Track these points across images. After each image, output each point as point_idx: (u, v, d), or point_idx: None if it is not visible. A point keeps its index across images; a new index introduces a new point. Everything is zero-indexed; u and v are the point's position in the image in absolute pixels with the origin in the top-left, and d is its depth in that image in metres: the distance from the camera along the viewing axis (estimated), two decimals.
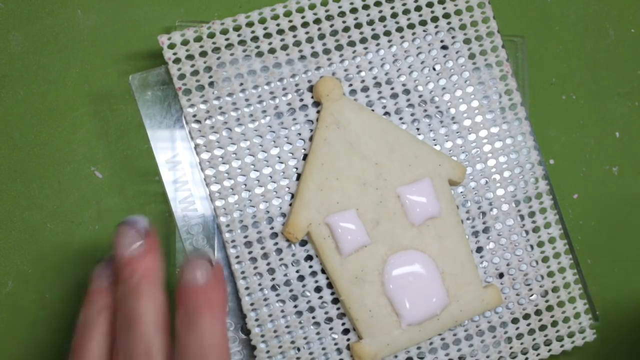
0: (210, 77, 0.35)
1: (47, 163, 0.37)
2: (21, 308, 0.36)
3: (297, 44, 0.36)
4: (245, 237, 0.34)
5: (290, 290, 0.34)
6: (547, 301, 0.37)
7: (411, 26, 0.37)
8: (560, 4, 0.44)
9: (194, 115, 0.34)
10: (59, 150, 0.37)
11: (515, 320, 0.37)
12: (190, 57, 0.34)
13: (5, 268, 0.36)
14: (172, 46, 0.34)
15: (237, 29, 0.35)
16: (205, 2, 0.36)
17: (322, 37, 0.36)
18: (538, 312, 0.37)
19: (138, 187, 0.38)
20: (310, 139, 0.35)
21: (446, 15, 0.38)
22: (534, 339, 0.37)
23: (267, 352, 0.34)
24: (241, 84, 0.35)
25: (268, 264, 0.34)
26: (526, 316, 0.37)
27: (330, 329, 0.35)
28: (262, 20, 0.35)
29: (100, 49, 0.38)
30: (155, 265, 0.28)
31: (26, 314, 0.36)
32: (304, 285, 0.35)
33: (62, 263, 0.36)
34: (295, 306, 0.34)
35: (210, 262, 0.27)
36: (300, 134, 0.35)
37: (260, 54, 0.35)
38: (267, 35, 0.35)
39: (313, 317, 0.34)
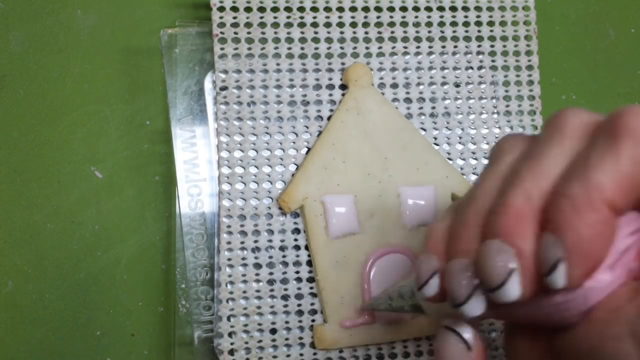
0: (249, 33, 0.35)
1: (47, 163, 0.37)
2: (21, 308, 0.36)
3: (341, 25, 0.36)
4: (242, 193, 0.34)
5: (270, 257, 0.34)
6: None
7: (455, 39, 0.38)
8: (560, 4, 0.44)
9: (224, 67, 0.35)
10: (59, 150, 0.37)
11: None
12: (234, 8, 0.35)
13: (5, 268, 0.36)
14: None
15: None
16: (205, 2, 0.36)
17: (366, 25, 0.37)
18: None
19: (138, 187, 0.37)
20: (329, 118, 0.36)
21: (491, 38, 0.38)
22: None
23: (232, 309, 0.34)
24: (276, 48, 0.35)
25: (255, 225, 0.34)
26: (495, 348, 0.36)
27: (299, 305, 0.34)
28: None
29: (100, 48, 0.38)
30: None
31: (26, 314, 0.35)
32: (284, 256, 0.34)
33: (62, 263, 0.36)
34: (271, 274, 0.34)
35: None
36: (319, 111, 0.36)
37: (302, 25, 0.36)
38: (314, 9, 0.36)
39: (285, 290, 0.34)
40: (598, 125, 0.20)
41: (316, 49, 0.36)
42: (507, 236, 0.20)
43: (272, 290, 0.34)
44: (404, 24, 0.37)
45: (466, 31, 0.38)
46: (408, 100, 0.37)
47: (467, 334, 0.23)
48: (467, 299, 0.21)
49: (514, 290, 0.20)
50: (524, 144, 0.22)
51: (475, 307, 0.21)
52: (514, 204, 0.20)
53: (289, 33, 0.36)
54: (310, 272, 0.35)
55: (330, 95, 0.36)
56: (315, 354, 0.34)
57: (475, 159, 0.37)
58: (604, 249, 0.19)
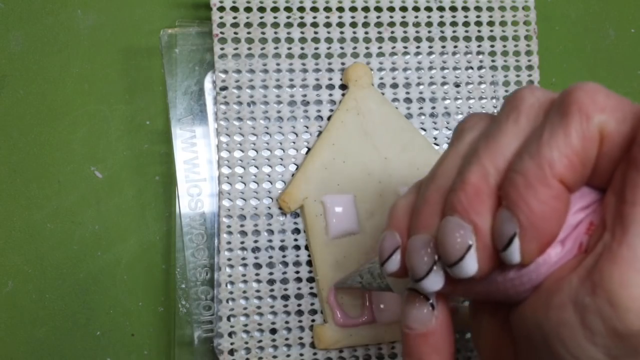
0: (249, 33, 0.35)
1: (47, 163, 0.37)
2: (21, 308, 0.36)
3: (341, 25, 0.36)
4: (242, 193, 0.34)
5: (270, 257, 0.34)
6: None
7: (455, 39, 0.38)
8: (560, 4, 0.44)
9: (224, 67, 0.35)
10: (59, 150, 0.37)
11: None
12: (234, 9, 0.35)
13: (5, 268, 0.36)
14: None
15: None
16: (205, 2, 0.36)
17: (366, 25, 0.37)
18: None
19: (138, 187, 0.37)
20: (329, 118, 0.36)
21: (491, 38, 0.38)
22: None
23: (232, 309, 0.34)
24: (276, 48, 0.35)
25: (255, 225, 0.34)
26: None
27: (299, 305, 0.34)
28: None
29: (100, 48, 0.38)
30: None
31: (26, 314, 0.36)
32: (284, 256, 0.34)
33: (62, 263, 0.36)
34: (271, 274, 0.34)
35: None
36: (319, 111, 0.36)
37: (302, 25, 0.36)
38: (314, 9, 0.36)
39: (285, 289, 0.34)
40: (552, 103, 0.21)
41: (316, 49, 0.36)
42: (464, 213, 0.20)
43: (272, 290, 0.34)
44: (404, 24, 0.37)
45: (466, 31, 0.38)
46: (408, 100, 0.37)
47: (432, 295, 0.23)
48: (427, 274, 0.21)
49: (471, 265, 0.20)
50: (485, 123, 0.23)
51: (435, 281, 0.21)
52: (471, 181, 0.20)
53: (289, 33, 0.36)
54: (310, 272, 0.35)
55: (330, 95, 0.36)
56: (315, 354, 0.34)
57: None
58: (557, 224, 0.20)
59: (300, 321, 0.34)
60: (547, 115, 0.20)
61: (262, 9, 0.35)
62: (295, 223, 0.35)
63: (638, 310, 0.18)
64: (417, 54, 0.37)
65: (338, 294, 0.34)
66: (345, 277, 0.32)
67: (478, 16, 0.38)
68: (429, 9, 0.37)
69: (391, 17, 0.37)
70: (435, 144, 0.37)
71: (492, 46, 0.38)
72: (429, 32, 0.37)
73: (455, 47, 0.38)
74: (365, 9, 0.37)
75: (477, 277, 0.21)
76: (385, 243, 0.23)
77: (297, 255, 0.35)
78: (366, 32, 0.36)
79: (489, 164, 0.20)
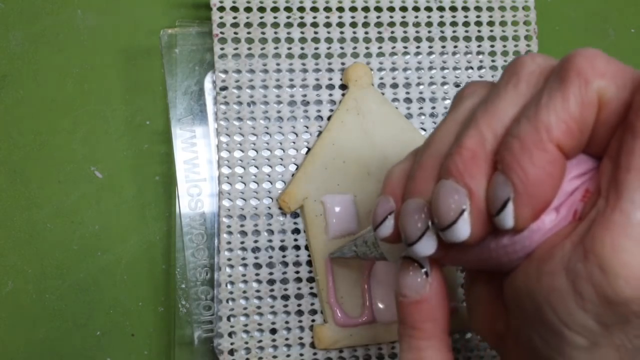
0: (249, 33, 0.35)
1: (47, 163, 0.37)
2: (21, 308, 0.35)
3: (341, 25, 0.36)
4: (242, 193, 0.34)
5: (270, 257, 0.34)
6: None
7: (455, 39, 0.38)
8: (560, 4, 0.44)
9: (224, 67, 0.35)
10: (59, 150, 0.37)
11: (481, 348, 0.36)
12: (234, 9, 0.35)
13: (5, 268, 0.36)
14: None
15: None
16: (205, 2, 0.36)
17: (366, 25, 0.37)
18: None
19: (138, 187, 0.37)
20: (329, 118, 0.36)
21: (491, 38, 0.38)
22: None
23: (232, 309, 0.34)
24: (276, 48, 0.35)
25: (255, 225, 0.34)
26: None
27: (299, 305, 0.34)
28: None
29: (100, 48, 0.38)
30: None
31: (26, 314, 0.35)
32: (284, 256, 0.34)
33: (62, 263, 0.36)
34: (271, 274, 0.34)
35: None
36: (319, 111, 0.36)
37: (302, 25, 0.36)
38: (314, 9, 0.36)
39: (285, 290, 0.34)
40: (552, 69, 0.20)
41: (316, 49, 0.36)
42: (459, 176, 0.20)
43: (272, 290, 0.34)
44: (404, 24, 0.37)
45: (466, 31, 0.38)
46: (408, 100, 0.37)
47: (426, 263, 0.23)
48: (420, 237, 0.21)
49: (464, 230, 0.20)
50: (484, 90, 0.22)
51: (427, 246, 0.21)
52: (467, 146, 0.20)
53: (289, 33, 0.36)
54: (310, 272, 0.35)
55: (330, 95, 0.36)
56: (315, 354, 0.34)
57: None
58: (552, 190, 0.20)
59: (300, 321, 0.34)
60: (546, 81, 0.20)
61: (262, 9, 0.35)
62: (295, 223, 0.35)
63: (628, 276, 0.17)
64: (417, 54, 0.37)
65: (338, 294, 0.34)
66: (340, 246, 0.32)
67: (478, 16, 0.38)
68: (429, 9, 0.37)
69: (391, 17, 0.37)
70: None
71: (492, 46, 0.38)
72: (429, 32, 0.37)
73: (455, 47, 0.38)
74: (365, 9, 0.37)
75: (469, 242, 0.20)
76: (379, 208, 0.23)
77: (297, 255, 0.35)
78: (366, 32, 0.36)
79: (487, 129, 0.20)
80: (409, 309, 0.24)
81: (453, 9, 0.38)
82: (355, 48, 0.36)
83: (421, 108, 0.37)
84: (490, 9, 0.38)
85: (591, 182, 0.20)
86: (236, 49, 0.35)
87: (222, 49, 0.35)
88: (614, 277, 0.18)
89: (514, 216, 0.19)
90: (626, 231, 0.18)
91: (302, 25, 0.36)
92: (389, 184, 0.23)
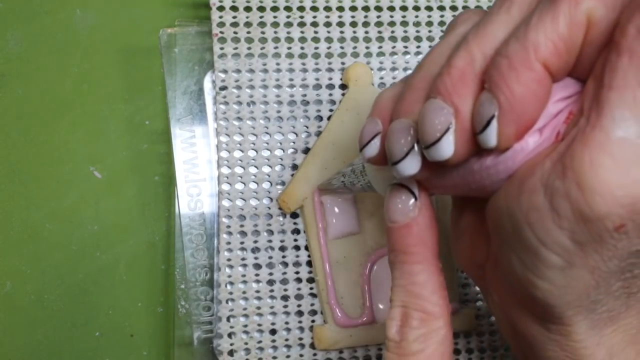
0: (249, 32, 0.35)
1: (46, 163, 0.37)
2: (20, 308, 0.35)
3: (341, 24, 0.36)
4: (241, 193, 0.34)
5: (269, 258, 0.34)
6: None
7: None
8: None
9: (223, 67, 0.35)
10: (58, 150, 0.37)
11: (482, 350, 0.36)
12: (234, 8, 0.35)
13: (3, 268, 0.36)
14: None
15: None
16: (205, 1, 0.36)
17: (366, 24, 0.36)
18: (508, 349, 0.37)
19: (137, 187, 0.37)
20: (329, 118, 0.36)
21: None
22: None
23: (231, 310, 0.33)
24: (276, 48, 0.35)
25: (255, 225, 0.34)
26: (494, 349, 0.36)
27: (299, 305, 0.34)
28: None
29: (99, 48, 0.38)
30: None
31: (25, 314, 0.35)
32: (284, 257, 0.34)
33: (61, 263, 0.36)
34: (270, 274, 0.34)
35: None
36: (319, 111, 0.36)
37: (302, 24, 0.36)
38: (314, 9, 0.36)
39: (285, 290, 0.34)
40: None
41: (316, 48, 0.36)
42: (447, 95, 0.20)
43: (271, 290, 0.34)
44: (404, 24, 0.37)
45: None
46: None
47: (414, 186, 0.24)
48: (404, 156, 0.22)
49: (448, 147, 0.20)
50: (478, 17, 0.23)
51: (411, 164, 0.22)
52: (457, 65, 0.20)
53: (288, 33, 0.35)
54: (310, 272, 0.35)
55: (330, 95, 0.36)
56: (315, 354, 0.34)
57: None
58: (537, 109, 0.20)
59: (300, 322, 0.34)
60: (538, 3, 0.20)
61: (261, 9, 0.35)
62: (295, 223, 0.35)
63: (605, 192, 0.18)
64: (418, 53, 0.37)
65: (338, 295, 0.34)
66: (329, 178, 0.32)
67: None
68: (429, 8, 0.37)
69: (391, 16, 0.37)
70: None
71: None
72: (430, 31, 0.37)
73: None
74: (366, 9, 0.36)
75: (452, 161, 0.21)
76: (365, 129, 0.23)
77: (297, 256, 0.35)
78: (366, 32, 0.36)
79: (477, 50, 0.20)
80: (399, 233, 0.24)
81: (453, 8, 0.38)
82: (355, 48, 0.36)
83: None
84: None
85: (575, 105, 0.20)
86: (236, 48, 0.35)
87: (221, 48, 0.35)
88: (590, 193, 0.18)
89: (498, 134, 0.19)
90: (605, 148, 0.18)
91: (302, 24, 0.36)
92: (377, 107, 0.24)
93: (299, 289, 0.34)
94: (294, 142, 0.35)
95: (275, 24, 0.35)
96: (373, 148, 0.23)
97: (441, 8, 0.37)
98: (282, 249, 0.35)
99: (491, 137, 0.19)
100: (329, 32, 0.36)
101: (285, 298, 0.34)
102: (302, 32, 0.36)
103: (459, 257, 0.26)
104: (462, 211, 0.26)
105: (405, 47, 0.37)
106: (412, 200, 0.23)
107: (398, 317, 0.23)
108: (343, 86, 0.36)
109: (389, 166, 0.22)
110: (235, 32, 0.35)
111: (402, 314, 0.23)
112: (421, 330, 0.23)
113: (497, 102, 0.19)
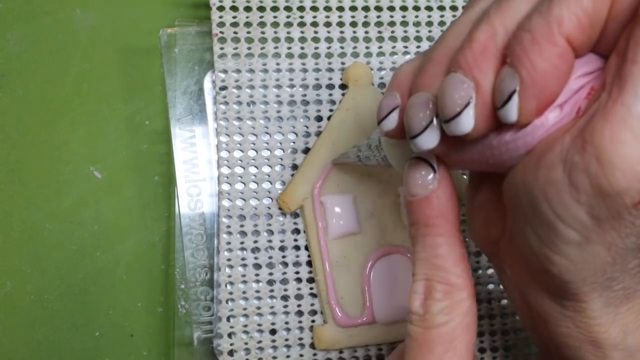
0: (249, 32, 0.35)
1: (46, 163, 0.37)
2: (20, 309, 0.35)
3: (341, 24, 0.36)
4: (241, 193, 0.34)
5: (270, 258, 0.34)
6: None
7: None
8: None
9: (223, 67, 0.35)
10: (58, 150, 0.37)
11: (481, 350, 0.36)
12: (234, 8, 0.35)
13: (3, 268, 0.36)
14: None
15: None
16: (205, 1, 0.36)
17: (366, 24, 0.36)
18: (507, 349, 0.37)
19: (137, 187, 0.37)
20: (329, 118, 0.35)
21: None
22: None
23: (231, 310, 0.33)
24: (276, 47, 0.35)
25: (255, 225, 0.34)
26: (494, 349, 0.36)
27: (299, 305, 0.34)
28: None
29: (99, 48, 0.38)
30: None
31: (25, 314, 0.35)
32: (284, 257, 0.34)
33: (61, 263, 0.36)
34: (270, 274, 0.34)
35: None
36: (319, 111, 0.36)
37: (302, 24, 0.36)
38: (314, 9, 0.36)
39: (285, 290, 0.34)
40: None
41: (316, 48, 0.36)
42: (468, 69, 0.20)
43: (271, 290, 0.34)
44: (404, 24, 0.37)
45: None
46: None
47: (433, 160, 0.23)
48: (423, 130, 0.21)
49: (467, 122, 0.20)
50: None
51: (430, 138, 0.21)
52: (478, 39, 0.20)
53: (288, 32, 0.35)
54: (310, 272, 0.35)
55: (330, 95, 0.36)
56: (315, 354, 0.34)
57: None
58: (558, 84, 0.19)
59: (300, 322, 0.34)
60: None
61: (261, 9, 0.35)
62: (295, 223, 0.35)
63: (624, 167, 0.17)
64: (418, 53, 0.37)
65: (338, 294, 0.34)
66: (344, 152, 0.32)
67: None
68: (429, 8, 0.37)
69: (391, 16, 0.37)
70: None
71: None
72: (430, 31, 0.37)
73: None
74: (366, 9, 0.36)
75: (472, 136, 0.20)
76: (383, 102, 0.23)
77: (297, 256, 0.35)
78: (366, 32, 0.36)
79: (499, 24, 0.20)
80: (420, 206, 0.24)
81: (453, 8, 0.38)
82: (355, 48, 0.36)
83: None
84: None
85: (597, 81, 0.20)
86: (236, 48, 0.35)
87: (221, 48, 0.35)
88: (610, 168, 0.18)
89: (518, 109, 0.19)
90: (626, 123, 0.17)
91: (302, 24, 0.36)
92: (396, 80, 0.23)
93: (299, 289, 0.34)
94: (294, 142, 0.35)
95: (275, 24, 0.35)
96: (391, 121, 0.23)
97: (441, 8, 0.37)
98: (282, 249, 0.35)
99: (512, 112, 0.19)
100: (329, 32, 0.36)
101: (285, 298, 0.34)
102: (302, 32, 0.36)
103: (474, 234, 0.26)
104: (478, 187, 0.26)
105: (405, 47, 0.37)
106: (432, 173, 0.23)
107: (421, 290, 0.23)
108: (343, 86, 0.36)
109: (407, 140, 0.22)
110: (235, 32, 0.35)
111: (426, 287, 0.23)
112: (445, 302, 0.23)
113: (518, 76, 0.19)
